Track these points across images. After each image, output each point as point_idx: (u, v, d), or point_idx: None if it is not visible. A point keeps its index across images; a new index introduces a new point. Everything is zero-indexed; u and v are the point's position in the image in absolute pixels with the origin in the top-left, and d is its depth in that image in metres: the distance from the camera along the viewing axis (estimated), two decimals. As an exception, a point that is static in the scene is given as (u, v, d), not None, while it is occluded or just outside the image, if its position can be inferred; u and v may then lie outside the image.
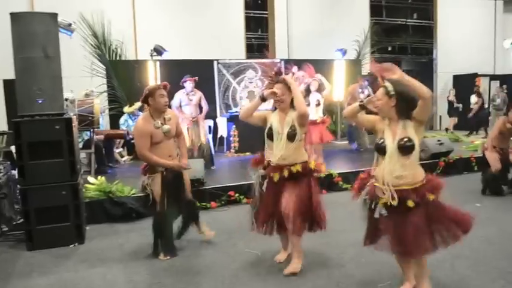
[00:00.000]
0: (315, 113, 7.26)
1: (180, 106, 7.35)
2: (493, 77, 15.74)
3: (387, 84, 2.90)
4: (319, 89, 7.31)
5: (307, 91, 7.17)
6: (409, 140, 2.82)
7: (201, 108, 7.61)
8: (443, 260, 3.79)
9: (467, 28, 15.76)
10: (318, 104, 7.34)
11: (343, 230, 4.71)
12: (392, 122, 2.91)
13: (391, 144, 2.84)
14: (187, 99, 7.33)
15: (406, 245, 2.83)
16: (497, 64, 16.45)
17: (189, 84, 7.36)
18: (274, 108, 3.66)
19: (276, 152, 3.50)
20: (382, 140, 2.91)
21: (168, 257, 4.05)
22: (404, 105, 2.86)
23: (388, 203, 2.85)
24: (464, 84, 14.65)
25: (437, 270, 3.57)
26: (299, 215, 3.48)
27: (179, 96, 7.31)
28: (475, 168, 7.68)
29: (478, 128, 13.09)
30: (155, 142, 3.92)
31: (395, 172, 2.83)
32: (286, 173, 3.49)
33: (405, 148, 2.83)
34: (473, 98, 13.22)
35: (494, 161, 6.21)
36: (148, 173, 4.00)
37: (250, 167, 3.82)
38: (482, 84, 14.78)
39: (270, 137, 3.55)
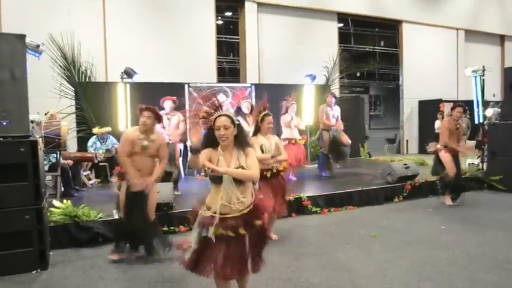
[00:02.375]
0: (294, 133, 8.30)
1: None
2: (456, 103, 16.27)
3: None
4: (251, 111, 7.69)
5: (237, 113, 7.49)
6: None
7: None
8: (409, 282, 3.86)
9: (431, 56, 16.39)
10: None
11: (313, 253, 4.75)
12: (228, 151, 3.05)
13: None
14: (165, 120, 6.92)
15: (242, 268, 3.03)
16: (460, 91, 17.09)
17: (168, 104, 7.19)
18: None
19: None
20: None
21: (114, 257, 4.56)
22: None
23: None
24: (429, 109, 15.15)
25: (403, 293, 3.63)
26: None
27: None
28: (440, 191, 7.88)
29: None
30: (133, 152, 4.44)
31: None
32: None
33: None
34: (438, 123, 13.67)
35: (450, 164, 6.87)
36: (118, 178, 4.59)
37: None
38: (446, 109, 15.29)
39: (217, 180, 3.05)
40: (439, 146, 7.04)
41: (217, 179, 2.99)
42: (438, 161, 7.13)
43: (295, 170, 8.73)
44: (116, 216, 5.31)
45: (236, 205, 2.98)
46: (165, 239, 4.73)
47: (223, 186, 2.96)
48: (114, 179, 4.72)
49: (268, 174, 4.83)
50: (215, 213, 2.96)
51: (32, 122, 5.48)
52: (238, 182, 2.99)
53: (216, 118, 3.05)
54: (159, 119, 4.77)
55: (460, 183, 7.10)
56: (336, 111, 8.97)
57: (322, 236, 5.41)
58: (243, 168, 3.00)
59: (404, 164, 8.03)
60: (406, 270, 4.16)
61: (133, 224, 4.48)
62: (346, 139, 8.82)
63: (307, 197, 6.72)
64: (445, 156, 6.91)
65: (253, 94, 10.81)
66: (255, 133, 4.94)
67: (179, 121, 7.41)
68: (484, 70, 9.83)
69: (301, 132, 8.72)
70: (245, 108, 7.68)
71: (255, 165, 3.06)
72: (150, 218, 4.60)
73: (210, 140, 3.09)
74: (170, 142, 7.14)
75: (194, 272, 3.07)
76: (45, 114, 7.55)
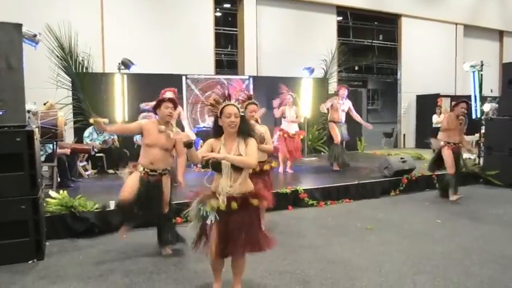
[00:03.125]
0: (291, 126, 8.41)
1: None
2: (454, 98, 16.33)
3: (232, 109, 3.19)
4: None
5: None
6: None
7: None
8: (405, 275, 3.88)
9: (430, 50, 16.36)
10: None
11: (309, 246, 4.76)
12: (232, 139, 3.24)
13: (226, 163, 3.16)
14: None
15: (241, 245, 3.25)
16: (458, 85, 17.10)
17: (169, 95, 7.22)
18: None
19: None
20: None
21: (125, 235, 4.58)
22: None
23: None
24: (427, 104, 15.17)
25: (399, 286, 3.65)
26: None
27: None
28: (437, 185, 7.91)
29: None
30: (147, 143, 4.32)
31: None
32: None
33: None
34: (435, 118, 13.70)
35: (451, 162, 6.84)
36: (129, 170, 4.44)
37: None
38: (444, 104, 15.31)
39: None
40: (442, 142, 6.95)
41: (217, 166, 3.15)
42: (438, 158, 7.09)
43: (292, 163, 8.75)
44: (112, 208, 5.31)
45: (235, 188, 3.16)
46: (177, 233, 4.66)
47: (223, 172, 3.15)
48: (123, 172, 4.49)
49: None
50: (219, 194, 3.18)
51: (29, 112, 5.45)
52: (237, 169, 3.14)
53: (225, 107, 3.18)
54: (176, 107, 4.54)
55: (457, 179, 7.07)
56: (347, 104, 8.90)
57: (319, 229, 5.42)
58: (241, 156, 3.14)
59: (401, 158, 8.05)
60: (401, 263, 4.18)
61: (146, 216, 4.50)
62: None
63: (303, 189, 6.73)
64: (447, 154, 6.86)
65: (251, 86, 10.80)
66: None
67: (179, 114, 7.39)
68: (482, 65, 9.83)
69: (300, 126, 8.78)
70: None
71: (253, 154, 3.18)
72: (164, 210, 4.51)
73: (215, 130, 3.29)
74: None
75: (197, 249, 3.38)
76: (44, 104, 7.53)
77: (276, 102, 8.53)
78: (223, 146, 3.20)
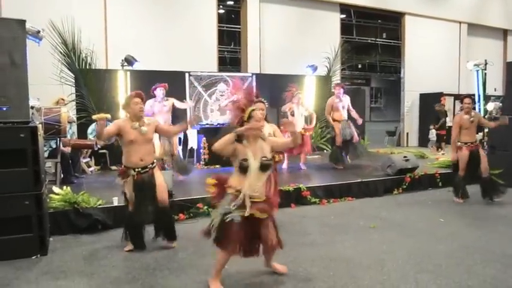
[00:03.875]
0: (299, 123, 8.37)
1: (153, 114, 7.25)
2: (457, 97, 16.29)
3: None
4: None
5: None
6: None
7: (173, 117, 7.58)
8: (407, 274, 3.88)
9: (434, 49, 16.30)
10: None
11: (311, 244, 4.77)
12: (255, 142, 3.51)
13: (255, 164, 3.42)
14: (160, 106, 7.31)
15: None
16: (461, 84, 17.05)
17: (159, 91, 7.33)
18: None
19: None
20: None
21: (129, 249, 4.50)
22: None
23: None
24: (430, 102, 15.11)
25: (401, 285, 3.65)
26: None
27: (150, 104, 7.25)
28: (440, 184, 7.90)
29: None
30: (129, 140, 4.32)
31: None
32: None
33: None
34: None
35: (463, 165, 6.66)
36: (122, 177, 4.44)
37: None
38: (447, 103, 15.27)
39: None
40: (459, 143, 6.71)
41: (245, 168, 3.39)
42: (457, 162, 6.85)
43: (305, 159, 9.09)
44: (115, 204, 5.33)
45: (258, 192, 3.44)
46: (174, 230, 4.69)
47: (251, 174, 3.39)
48: (118, 180, 4.55)
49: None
50: (243, 196, 3.39)
51: (32, 108, 5.47)
52: (264, 170, 3.44)
53: (253, 111, 3.51)
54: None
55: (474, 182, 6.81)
56: (346, 101, 8.95)
57: (321, 227, 5.42)
58: (265, 157, 3.46)
59: (404, 157, 8.03)
60: (404, 262, 4.18)
61: (145, 216, 4.47)
62: (355, 136, 8.86)
63: (306, 187, 6.73)
64: (462, 154, 6.67)
65: (254, 84, 10.78)
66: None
67: (173, 104, 7.46)
68: (486, 64, 9.80)
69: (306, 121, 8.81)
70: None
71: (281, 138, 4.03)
72: (164, 202, 4.55)
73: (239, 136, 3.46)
74: None
75: (219, 246, 3.52)
76: (57, 102, 7.63)
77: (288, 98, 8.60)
78: (248, 149, 3.44)
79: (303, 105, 8.76)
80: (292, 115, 8.41)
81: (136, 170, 4.39)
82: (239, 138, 3.44)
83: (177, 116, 8.00)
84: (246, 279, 3.80)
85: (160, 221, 4.61)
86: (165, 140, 7.27)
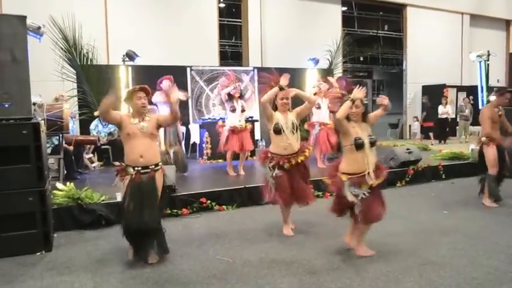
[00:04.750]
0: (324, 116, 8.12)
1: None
2: (460, 88, 16.24)
3: (360, 95, 4.00)
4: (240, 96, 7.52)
5: (230, 95, 7.33)
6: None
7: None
8: (411, 266, 3.88)
9: (436, 40, 16.22)
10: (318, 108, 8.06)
11: (315, 237, 4.77)
12: (359, 124, 4.07)
13: (367, 141, 3.98)
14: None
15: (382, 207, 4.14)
16: (464, 76, 16.98)
17: (165, 83, 7.28)
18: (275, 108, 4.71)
19: (286, 140, 4.58)
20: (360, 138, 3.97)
21: (133, 257, 4.07)
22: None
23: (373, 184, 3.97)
24: (433, 94, 15.08)
25: (405, 277, 3.65)
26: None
27: (156, 99, 7.21)
28: (443, 176, 7.88)
29: (446, 137, 13.49)
30: (127, 133, 3.92)
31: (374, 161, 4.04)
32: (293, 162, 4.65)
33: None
34: (441, 108, 13.62)
35: (493, 162, 5.97)
36: (120, 175, 4.03)
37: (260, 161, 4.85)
38: (450, 95, 15.23)
39: (278, 131, 4.60)
40: (483, 138, 6.09)
41: (361, 145, 3.96)
42: (482, 157, 6.17)
43: (326, 155, 8.60)
44: (119, 199, 5.32)
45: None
46: (165, 242, 4.11)
47: (365, 150, 4.00)
48: (117, 180, 4.09)
49: (286, 166, 4.63)
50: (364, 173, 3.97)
51: (34, 104, 5.48)
52: (372, 146, 4.05)
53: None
54: (148, 95, 4.16)
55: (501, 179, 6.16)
56: None
57: (324, 220, 5.40)
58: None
59: (407, 149, 8.01)
60: (407, 254, 4.18)
61: (142, 221, 3.80)
62: None
63: (310, 180, 6.70)
64: (490, 152, 5.98)
65: (256, 78, 10.76)
66: (274, 110, 4.76)
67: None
68: (488, 55, 9.76)
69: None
70: (235, 91, 7.32)
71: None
72: (155, 213, 3.92)
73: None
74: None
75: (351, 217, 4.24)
76: (58, 96, 7.58)
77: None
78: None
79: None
80: (318, 108, 8.06)
81: (136, 168, 3.89)
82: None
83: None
84: (252, 272, 3.81)
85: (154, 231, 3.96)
86: (170, 133, 7.25)
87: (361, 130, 4.03)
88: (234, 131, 7.31)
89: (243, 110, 7.41)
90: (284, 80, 4.59)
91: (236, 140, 7.29)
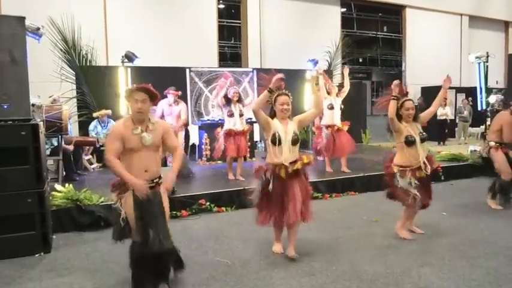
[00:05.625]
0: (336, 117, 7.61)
1: (163, 116, 7.31)
2: (459, 90, 16.25)
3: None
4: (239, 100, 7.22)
5: (227, 99, 7.09)
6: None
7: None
8: (410, 268, 3.88)
9: (435, 42, 16.26)
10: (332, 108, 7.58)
11: (314, 238, 4.76)
12: (410, 124, 4.54)
13: (418, 138, 4.48)
14: (170, 109, 7.31)
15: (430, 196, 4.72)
16: (463, 77, 16.99)
17: (171, 97, 7.35)
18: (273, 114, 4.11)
19: (285, 155, 3.99)
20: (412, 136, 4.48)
21: None
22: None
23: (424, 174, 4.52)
24: (432, 95, 15.05)
25: (404, 278, 3.65)
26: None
27: (162, 106, 7.25)
28: (442, 178, 7.87)
29: (445, 138, 13.48)
30: (129, 148, 3.32)
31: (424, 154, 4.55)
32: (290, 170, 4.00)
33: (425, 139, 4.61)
34: (440, 110, 13.61)
35: (505, 166, 5.86)
36: (118, 191, 3.42)
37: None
38: (449, 96, 15.22)
39: (276, 142, 4.00)
40: (492, 143, 6.00)
41: (412, 142, 4.46)
42: (489, 160, 6.13)
43: (346, 162, 7.85)
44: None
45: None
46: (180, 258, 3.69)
47: (417, 147, 4.48)
48: (113, 196, 3.51)
49: (282, 174, 3.98)
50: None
51: (33, 105, 5.46)
52: (423, 143, 4.58)
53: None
54: (154, 99, 3.53)
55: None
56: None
57: (324, 221, 5.41)
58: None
59: (393, 147, 7.98)
60: (406, 256, 4.18)
61: (159, 242, 3.27)
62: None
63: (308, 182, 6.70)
64: (498, 156, 5.89)
65: (255, 79, 10.76)
66: (270, 117, 4.11)
67: (180, 110, 7.43)
68: (487, 56, 9.76)
69: (343, 117, 7.83)
70: (233, 95, 7.08)
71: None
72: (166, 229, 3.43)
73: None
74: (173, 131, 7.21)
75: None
76: (49, 97, 7.57)
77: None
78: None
79: (339, 95, 7.71)
80: (331, 109, 7.56)
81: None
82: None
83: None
84: (251, 274, 3.80)
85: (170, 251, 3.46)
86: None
87: (412, 129, 4.53)
88: (229, 134, 7.06)
89: (241, 115, 7.16)
90: (275, 82, 3.97)
91: (233, 143, 7.04)
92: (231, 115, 7.08)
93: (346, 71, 7.91)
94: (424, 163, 4.51)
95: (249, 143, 7.95)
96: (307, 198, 4.18)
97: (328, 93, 7.58)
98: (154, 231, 3.27)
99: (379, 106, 4.79)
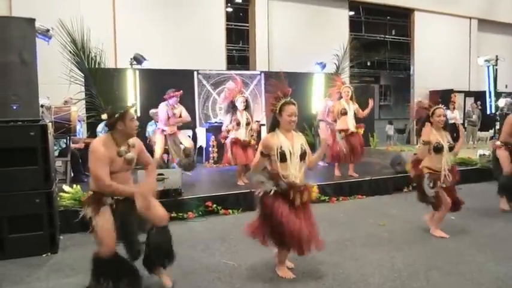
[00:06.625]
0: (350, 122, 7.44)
1: (169, 119, 7.23)
2: (467, 94, 16.15)
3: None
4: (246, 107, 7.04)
5: (234, 107, 6.93)
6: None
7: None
8: (418, 271, 3.85)
9: (443, 45, 16.16)
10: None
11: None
12: (440, 131, 4.77)
13: (446, 146, 4.72)
14: (171, 112, 7.24)
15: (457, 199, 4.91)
16: (471, 81, 16.88)
17: (174, 100, 7.30)
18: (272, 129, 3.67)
19: (293, 170, 3.54)
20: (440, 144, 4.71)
21: None
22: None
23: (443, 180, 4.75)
24: (441, 99, 14.97)
25: (412, 282, 3.62)
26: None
27: (165, 109, 7.22)
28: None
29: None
30: (112, 171, 3.21)
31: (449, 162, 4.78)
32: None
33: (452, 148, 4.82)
34: (449, 114, 13.54)
35: (506, 161, 5.96)
36: (93, 206, 3.26)
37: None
38: (458, 100, 15.13)
39: (282, 158, 3.51)
40: (498, 143, 6.17)
41: (440, 149, 4.68)
42: (496, 160, 6.24)
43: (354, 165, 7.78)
44: None
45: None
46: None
47: (444, 155, 4.72)
48: (86, 210, 3.33)
49: (297, 200, 3.58)
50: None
51: (42, 106, 5.51)
52: (450, 151, 4.80)
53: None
54: None
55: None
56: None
57: (331, 225, 5.39)
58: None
59: (415, 154, 7.94)
60: (414, 259, 4.15)
61: (138, 249, 3.42)
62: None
63: (315, 185, 6.68)
64: (502, 153, 6.02)
65: (263, 82, 10.77)
66: (272, 128, 3.68)
67: (181, 112, 7.41)
68: (497, 60, 9.69)
69: (358, 119, 7.63)
70: (240, 104, 6.89)
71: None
72: (163, 219, 3.44)
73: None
74: (170, 134, 7.25)
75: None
76: (66, 101, 7.64)
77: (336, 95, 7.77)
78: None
79: (353, 99, 7.57)
80: (344, 114, 7.40)
81: (115, 197, 3.28)
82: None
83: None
84: (258, 276, 3.79)
85: (159, 247, 3.42)
86: (173, 144, 7.25)
87: (441, 136, 4.76)
88: (237, 143, 6.87)
89: (248, 123, 6.97)
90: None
91: (242, 152, 6.86)
92: (238, 124, 6.89)
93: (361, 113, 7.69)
94: (446, 174, 4.74)
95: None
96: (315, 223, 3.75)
97: (341, 97, 7.50)
98: (134, 235, 3.38)
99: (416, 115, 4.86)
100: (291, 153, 3.51)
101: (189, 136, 8.88)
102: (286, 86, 3.69)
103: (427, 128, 4.82)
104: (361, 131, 7.58)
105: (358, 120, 7.63)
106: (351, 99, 7.50)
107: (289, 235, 3.44)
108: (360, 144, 7.53)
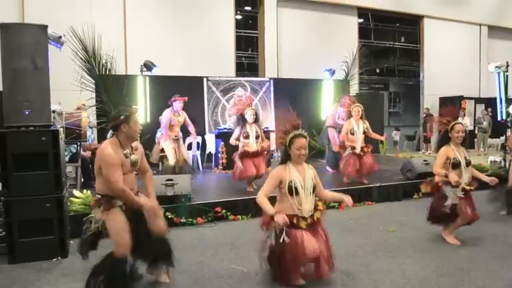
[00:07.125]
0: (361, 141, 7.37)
1: (173, 126, 7.31)
2: (478, 100, 16.04)
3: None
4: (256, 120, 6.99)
5: (243, 120, 6.87)
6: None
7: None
8: (429, 278, 3.81)
9: (453, 52, 16.10)
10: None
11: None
12: (458, 147, 4.76)
13: (463, 161, 4.70)
14: (175, 119, 7.29)
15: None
16: (482, 87, 16.77)
17: (178, 104, 7.33)
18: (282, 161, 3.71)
19: (305, 206, 3.54)
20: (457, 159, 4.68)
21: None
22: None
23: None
24: (450, 105, 14.88)
25: (422, 288, 3.58)
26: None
27: (169, 115, 7.24)
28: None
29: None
30: (124, 173, 3.34)
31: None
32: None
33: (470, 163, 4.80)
34: (459, 120, 13.45)
35: None
36: (103, 207, 3.36)
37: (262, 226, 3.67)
38: (468, 106, 15.05)
39: (292, 191, 3.51)
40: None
41: (458, 165, 4.68)
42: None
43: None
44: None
45: None
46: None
47: (461, 169, 4.69)
48: (96, 212, 3.47)
49: (303, 225, 3.54)
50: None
51: (53, 112, 5.56)
52: (468, 167, 4.75)
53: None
54: None
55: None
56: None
57: (340, 231, 5.36)
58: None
59: (424, 161, 7.91)
60: (424, 266, 4.11)
61: (145, 252, 3.56)
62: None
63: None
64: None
65: (272, 89, 10.80)
66: (284, 161, 3.71)
67: (185, 119, 7.43)
68: (507, 66, 9.62)
69: (367, 139, 7.59)
70: (250, 117, 6.82)
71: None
72: (162, 230, 3.60)
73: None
74: (177, 139, 7.36)
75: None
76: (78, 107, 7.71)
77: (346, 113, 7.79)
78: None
79: (363, 118, 7.50)
80: (352, 134, 7.37)
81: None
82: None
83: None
84: (266, 281, 3.78)
85: (159, 255, 3.63)
86: (178, 150, 7.28)
87: (459, 152, 4.73)
88: (245, 154, 6.82)
89: (257, 136, 6.90)
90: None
91: (251, 163, 6.80)
92: (247, 137, 6.84)
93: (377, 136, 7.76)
94: (464, 188, 4.66)
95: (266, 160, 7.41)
96: (330, 246, 3.73)
97: (351, 116, 7.45)
98: (145, 236, 3.44)
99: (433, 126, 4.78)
100: (301, 187, 3.54)
101: (198, 142, 8.91)
102: (295, 118, 3.71)
103: (443, 150, 4.75)
104: (368, 149, 7.48)
105: (367, 139, 7.57)
106: (361, 118, 7.44)
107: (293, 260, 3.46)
108: (370, 162, 7.42)
